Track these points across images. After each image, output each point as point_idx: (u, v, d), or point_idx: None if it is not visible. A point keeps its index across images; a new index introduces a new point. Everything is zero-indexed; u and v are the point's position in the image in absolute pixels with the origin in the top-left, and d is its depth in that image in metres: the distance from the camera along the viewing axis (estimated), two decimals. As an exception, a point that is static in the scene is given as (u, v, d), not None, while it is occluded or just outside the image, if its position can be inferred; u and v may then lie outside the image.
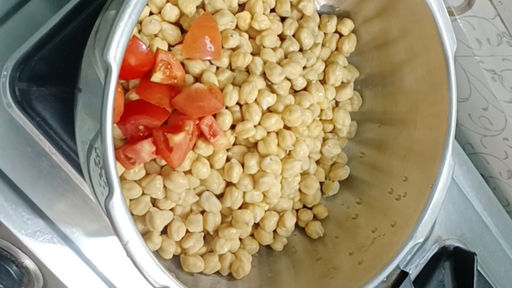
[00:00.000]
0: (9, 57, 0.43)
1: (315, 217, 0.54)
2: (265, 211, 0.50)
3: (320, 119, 0.54)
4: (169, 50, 0.46)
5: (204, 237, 0.49)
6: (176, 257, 0.47)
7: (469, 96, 0.67)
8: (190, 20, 0.46)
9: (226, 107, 0.47)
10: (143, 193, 0.44)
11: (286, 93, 0.49)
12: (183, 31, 0.47)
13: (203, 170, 0.45)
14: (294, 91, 0.51)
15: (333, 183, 0.55)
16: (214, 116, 0.46)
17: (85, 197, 0.47)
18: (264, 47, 0.49)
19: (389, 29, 0.51)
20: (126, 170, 0.43)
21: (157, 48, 0.44)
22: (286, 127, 0.49)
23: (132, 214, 0.43)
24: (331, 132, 0.55)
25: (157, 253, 0.46)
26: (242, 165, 0.47)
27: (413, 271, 0.64)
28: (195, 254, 0.47)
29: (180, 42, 0.46)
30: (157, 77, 0.43)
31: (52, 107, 0.45)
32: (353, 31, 0.54)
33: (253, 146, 0.49)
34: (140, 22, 0.45)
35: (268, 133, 0.48)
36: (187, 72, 0.46)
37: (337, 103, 0.55)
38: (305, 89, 0.51)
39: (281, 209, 0.51)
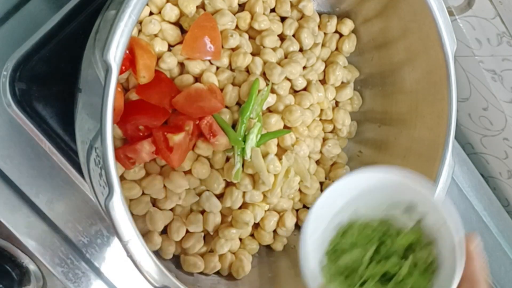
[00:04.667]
0: (9, 57, 0.43)
1: (315, 217, 0.54)
2: (265, 211, 0.50)
3: (320, 119, 0.54)
4: (169, 50, 0.46)
5: (204, 237, 0.49)
6: (176, 257, 0.47)
7: (469, 96, 0.67)
8: (190, 20, 0.46)
9: (226, 107, 0.47)
10: (143, 193, 0.44)
11: (286, 93, 0.49)
12: (183, 31, 0.47)
13: (203, 170, 0.45)
14: (294, 91, 0.51)
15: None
16: (214, 116, 0.46)
17: (85, 197, 0.47)
18: (264, 47, 0.49)
19: (389, 29, 0.51)
20: (126, 170, 0.43)
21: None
22: (286, 127, 0.49)
23: (132, 214, 0.43)
24: (331, 132, 0.55)
25: (157, 253, 0.46)
26: (242, 165, 0.47)
27: (413, 271, 0.64)
28: (195, 254, 0.47)
29: (180, 42, 0.46)
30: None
31: (52, 107, 0.45)
32: (353, 31, 0.54)
33: (253, 146, 0.49)
34: (140, 22, 0.45)
35: (268, 133, 0.48)
36: (187, 72, 0.46)
37: (337, 103, 0.55)
38: (305, 89, 0.51)
39: (281, 209, 0.51)
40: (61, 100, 0.45)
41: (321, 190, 0.55)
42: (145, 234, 0.45)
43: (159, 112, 0.43)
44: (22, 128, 0.44)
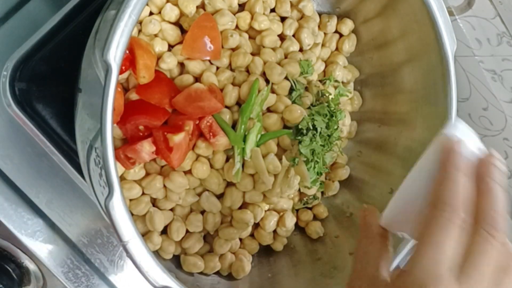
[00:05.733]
0: (9, 57, 0.43)
1: (315, 217, 0.54)
2: (265, 211, 0.50)
3: (320, 119, 0.54)
4: (169, 50, 0.46)
5: (204, 237, 0.49)
6: (176, 257, 0.47)
7: (469, 96, 0.67)
8: (190, 20, 0.46)
9: (226, 107, 0.47)
10: (143, 193, 0.44)
11: (286, 93, 0.49)
12: (183, 31, 0.47)
13: (203, 170, 0.45)
14: (294, 91, 0.51)
15: (333, 183, 0.55)
16: (214, 116, 0.46)
17: (85, 197, 0.47)
18: (264, 47, 0.49)
19: (389, 29, 0.51)
20: (126, 170, 0.43)
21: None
22: (286, 127, 0.49)
23: (132, 214, 0.43)
24: (331, 132, 0.55)
25: (157, 253, 0.46)
26: (242, 165, 0.47)
27: (413, 271, 0.63)
28: (195, 254, 0.47)
29: (180, 42, 0.46)
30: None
31: (52, 107, 0.45)
32: (353, 31, 0.54)
33: (253, 146, 0.49)
34: (140, 22, 0.45)
35: (268, 133, 0.48)
36: (187, 72, 0.46)
37: (337, 103, 0.55)
38: (305, 89, 0.51)
39: (281, 209, 0.51)
40: (61, 100, 0.45)
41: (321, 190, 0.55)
42: (145, 234, 0.45)
43: (159, 112, 0.43)
44: (22, 128, 0.44)
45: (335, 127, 0.51)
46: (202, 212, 0.48)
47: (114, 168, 0.33)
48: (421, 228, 0.31)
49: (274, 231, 0.52)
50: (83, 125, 0.38)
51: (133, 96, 0.44)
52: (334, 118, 0.50)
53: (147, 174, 0.45)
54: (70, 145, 0.46)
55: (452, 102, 0.46)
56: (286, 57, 0.50)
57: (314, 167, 0.50)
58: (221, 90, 0.47)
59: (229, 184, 0.48)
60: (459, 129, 0.33)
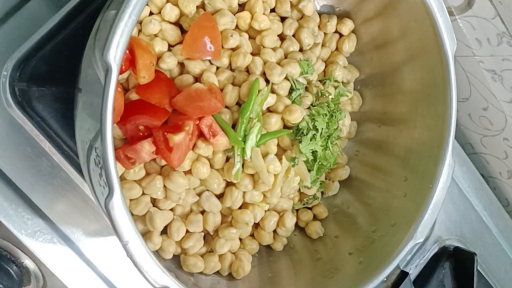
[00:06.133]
0: (9, 57, 0.43)
1: (315, 217, 0.54)
2: (265, 211, 0.50)
3: (320, 119, 0.54)
4: (169, 50, 0.46)
5: (204, 237, 0.49)
6: (176, 257, 0.47)
7: (469, 96, 0.67)
8: (190, 20, 0.46)
9: (226, 107, 0.47)
10: (143, 193, 0.44)
11: (286, 93, 0.49)
12: (183, 31, 0.47)
13: (203, 170, 0.45)
14: (294, 91, 0.51)
15: (333, 183, 0.55)
16: (214, 116, 0.46)
17: (85, 197, 0.47)
18: (264, 47, 0.49)
19: (389, 29, 0.51)
20: (126, 170, 0.43)
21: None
22: (286, 127, 0.49)
23: (132, 214, 0.43)
24: (331, 132, 0.55)
25: (157, 253, 0.46)
26: (242, 165, 0.47)
27: (413, 271, 0.64)
28: (195, 254, 0.47)
29: (180, 42, 0.46)
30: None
31: (52, 107, 0.45)
32: (353, 31, 0.54)
33: (253, 146, 0.49)
34: (140, 22, 0.45)
35: (268, 133, 0.48)
36: (187, 72, 0.46)
37: (337, 103, 0.55)
38: (305, 89, 0.51)
39: (281, 209, 0.51)
40: (61, 100, 0.45)
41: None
42: (145, 234, 0.45)
43: (159, 112, 0.43)
44: (22, 128, 0.44)
45: (335, 127, 0.51)
46: (202, 212, 0.48)
47: (114, 168, 0.33)
48: None
49: (274, 231, 0.52)
50: (83, 125, 0.38)
51: (133, 96, 0.44)
52: (334, 118, 0.50)
53: (147, 174, 0.45)
54: (70, 145, 0.46)
55: (452, 102, 0.46)
56: (286, 57, 0.50)
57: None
58: (221, 90, 0.47)
59: (229, 184, 0.48)
60: None
